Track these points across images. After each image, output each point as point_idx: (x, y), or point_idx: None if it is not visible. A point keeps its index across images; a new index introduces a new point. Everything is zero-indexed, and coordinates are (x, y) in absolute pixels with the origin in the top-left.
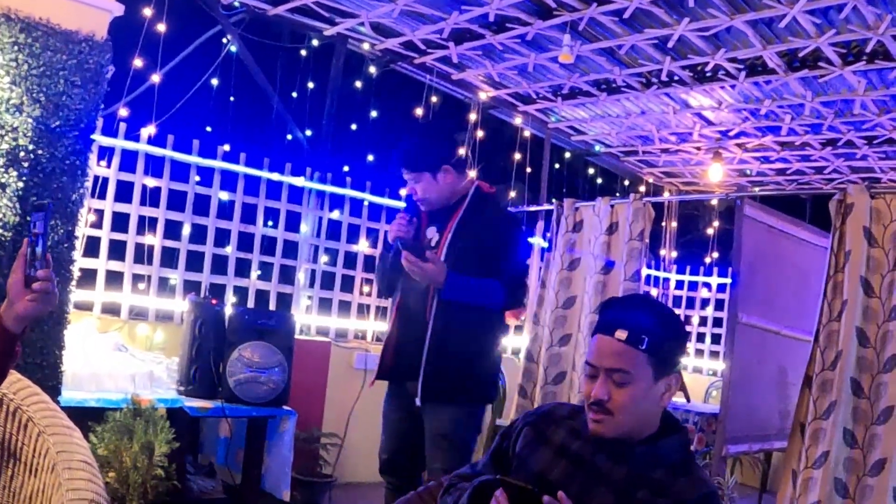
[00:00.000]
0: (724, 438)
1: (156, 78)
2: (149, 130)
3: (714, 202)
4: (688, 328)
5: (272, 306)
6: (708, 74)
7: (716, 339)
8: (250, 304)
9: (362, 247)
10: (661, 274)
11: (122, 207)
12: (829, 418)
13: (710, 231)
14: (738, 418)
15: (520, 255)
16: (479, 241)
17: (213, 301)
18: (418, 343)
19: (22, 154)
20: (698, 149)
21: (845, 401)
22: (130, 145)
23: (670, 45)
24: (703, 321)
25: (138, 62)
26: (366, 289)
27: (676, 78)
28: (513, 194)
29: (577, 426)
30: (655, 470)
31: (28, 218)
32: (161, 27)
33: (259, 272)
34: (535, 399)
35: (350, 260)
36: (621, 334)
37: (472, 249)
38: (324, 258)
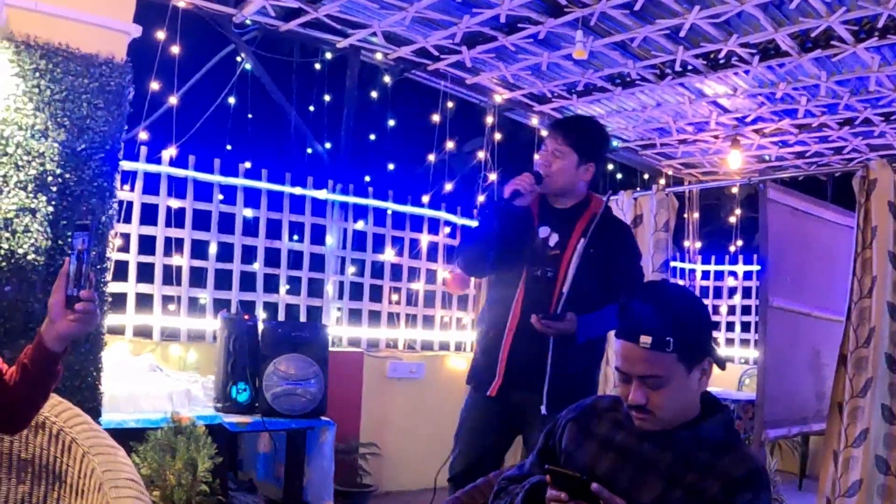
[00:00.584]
0: (762, 423)
1: (173, 100)
2: (170, 152)
3: (735, 190)
4: (716, 318)
5: (303, 319)
6: (721, 61)
7: (745, 327)
8: (280, 318)
9: (388, 256)
10: (687, 265)
11: (147, 230)
12: (867, 395)
13: (732, 220)
14: (775, 402)
15: (641, 270)
16: (611, 253)
17: (246, 316)
18: (539, 356)
19: (50, 179)
20: (716, 137)
21: (881, 377)
22: (153, 168)
23: (682, 34)
24: (731, 310)
25: (155, 85)
26: (394, 297)
27: (690, 67)
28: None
29: (619, 417)
30: (701, 452)
31: (59, 242)
32: (175, 49)
33: (288, 286)
34: None
35: (377, 269)
36: (645, 340)
37: (603, 260)
38: (351, 269)
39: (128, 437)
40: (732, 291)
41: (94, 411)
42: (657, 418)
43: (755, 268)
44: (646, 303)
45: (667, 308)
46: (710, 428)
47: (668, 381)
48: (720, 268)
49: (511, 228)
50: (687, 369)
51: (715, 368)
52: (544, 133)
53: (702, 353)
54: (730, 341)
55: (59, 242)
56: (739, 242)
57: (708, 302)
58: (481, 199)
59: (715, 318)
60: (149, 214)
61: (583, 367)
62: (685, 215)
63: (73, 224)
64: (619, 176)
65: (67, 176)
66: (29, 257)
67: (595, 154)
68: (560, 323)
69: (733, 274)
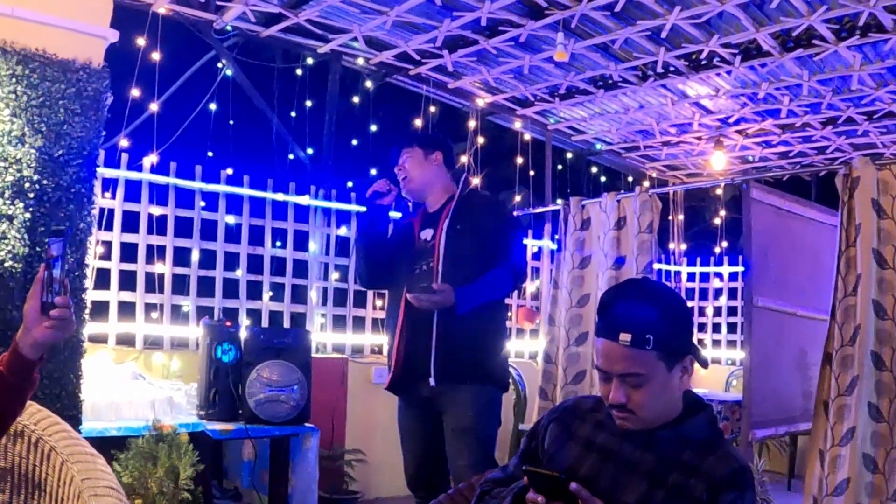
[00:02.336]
0: (749, 423)
1: (154, 106)
2: (151, 159)
3: (719, 191)
4: (702, 320)
5: (286, 326)
6: (703, 62)
7: (731, 328)
8: (264, 325)
9: None
10: (672, 268)
11: (129, 238)
12: (853, 394)
13: (717, 221)
14: (761, 402)
15: (516, 236)
16: (473, 225)
17: (228, 323)
18: (425, 337)
19: (27, 185)
20: (699, 139)
21: (868, 375)
22: (134, 175)
23: (663, 35)
24: (717, 311)
25: (136, 92)
26: (378, 303)
27: (672, 68)
28: (518, 199)
29: (601, 418)
30: (684, 452)
31: (37, 249)
32: (156, 56)
33: (271, 293)
34: (557, 400)
35: None
36: (625, 337)
37: (468, 234)
38: (335, 275)
39: (109, 446)
40: (718, 293)
41: (75, 419)
42: (639, 417)
43: (740, 269)
44: (625, 300)
45: (646, 305)
46: (693, 427)
47: (649, 379)
48: (705, 269)
49: (391, 238)
50: (668, 367)
51: (702, 369)
52: (527, 137)
53: (683, 351)
54: (716, 342)
55: (37, 249)
56: (724, 244)
57: (694, 304)
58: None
59: (701, 320)
60: (130, 222)
61: (471, 336)
62: (670, 217)
63: (49, 231)
64: (602, 179)
65: (45, 182)
66: (6, 264)
67: (436, 143)
68: (434, 295)
69: (719, 275)
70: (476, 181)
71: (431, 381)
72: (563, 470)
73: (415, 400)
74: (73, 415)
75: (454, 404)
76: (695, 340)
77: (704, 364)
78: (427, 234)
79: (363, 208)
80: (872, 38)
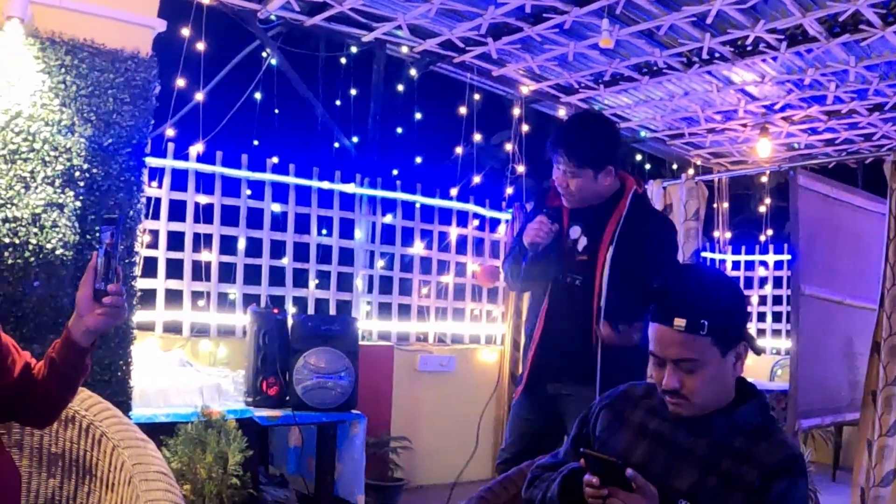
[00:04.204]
0: (795, 413)
1: (200, 96)
2: (197, 148)
3: (765, 179)
4: (748, 308)
5: (332, 313)
6: (749, 48)
7: (776, 317)
8: (310, 312)
9: (417, 249)
10: (717, 256)
11: (176, 226)
12: None
13: (762, 209)
14: (808, 392)
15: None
16: (640, 250)
17: (275, 310)
18: (572, 347)
19: (77, 174)
20: (744, 126)
21: None
22: (180, 164)
23: (709, 21)
24: (762, 300)
25: (181, 82)
26: (424, 290)
27: (717, 55)
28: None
29: (653, 404)
30: (736, 438)
31: (87, 237)
32: (200, 46)
33: (317, 281)
34: None
35: (406, 263)
36: (679, 323)
37: (635, 261)
38: (380, 263)
39: (158, 432)
40: (763, 281)
41: (124, 405)
42: (692, 403)
43: (786, 257)
44: (680, 285)
45: (701, 291)
46: (745, 413)
47: (703, 364)
48: (751, 258)
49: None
50: (721, 353)
51: (750, 355)
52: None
53: (737, 337)
54: (761, 331)
55: (87, 237)
56: (770, 232)
57: None
58: (513, 204)
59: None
60: (177, 211)
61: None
62: (715, 205)
63: (100, 219)
64: (647, 166)
65: (94, 171)
66: (57, 252)
67: (609, 158)
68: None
69: (764, 264)
70: (521, 168)
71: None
72: (615, 456)
73: (541, 395)
74: (122, 401)
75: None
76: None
77: (758, 351)
78: (579, 237)
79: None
80: None
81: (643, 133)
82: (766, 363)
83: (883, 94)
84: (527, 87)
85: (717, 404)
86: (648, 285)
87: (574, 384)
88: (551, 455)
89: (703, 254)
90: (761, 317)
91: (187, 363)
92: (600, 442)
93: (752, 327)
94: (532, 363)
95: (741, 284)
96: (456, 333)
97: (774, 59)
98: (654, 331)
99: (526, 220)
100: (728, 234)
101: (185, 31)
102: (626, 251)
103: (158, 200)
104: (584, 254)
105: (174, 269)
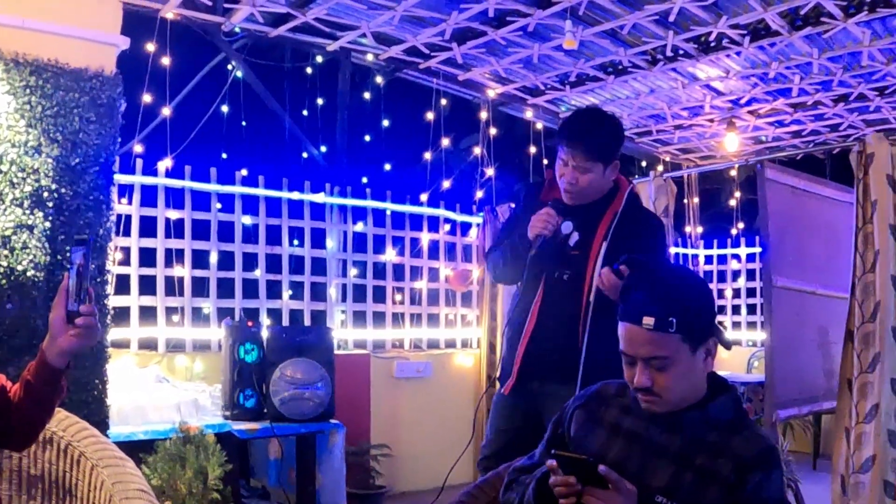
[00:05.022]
0: (773, 404)
1: (167, 111)
2: (165, 164)
3: (734, 173)
4: (721, 302)
5: (307, 324)
6: (712, 44)
7: (751, 309)
8: (285, 323)
9: (390, 256)
10: (689, 251)
11: (147, 242)
12: (875, 370)
13: (732, 203)
14: (784, 382)
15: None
16: (632, 247)
17: (250, 323)
18: (561, 343)
19: (45, 194)
20: (711, 121)
21: (889, 351)
22: (149, 180)
23: (671, 18)
24: (736, 293)
25: (148, 98)
26: (398, 297)
27: (681, 52)
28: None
29: (627, 402)
30: (709, 433)
31: (58, 257)
32: (166, 61)
33: (290, 292)
34: None
35: (379, 270)
36: (648, 321)
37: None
38: (353, 271)
39: (137, 449)
40: (736, 274)
41: (102, 424)
42: (664, 400)
43: (758, 250)
44: (647, 284)
45: (669, 288)
46: (718, 408)
47: (674, 362)
48: (723, 251)
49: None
50: (692, 349)
51: (724, 351)
52: (539, 126)
53: (706, 333)
54: (736, 324)
55: (58, 258)
56: (741, 225)
57: (713, 286)
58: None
59: (720, 303)
60: (148, 227)
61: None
62: (685, 201)
63: (71, 239)
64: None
65: (63, 191)
66: (29, 274)
67: (617, 153)
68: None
69: (736, 257)
70: (490, 171)
71: (578, 386)
72: (591, 455)
73: (523, 393)
74: (100, 420)
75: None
76: (717, 322)
77: (728, 346)
78: (571, 233)
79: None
80: (881, 13)
81: None
82: (743, 355)
83: (847, 85)
84: (493, 91)
85: (690, 400)
86: None
87: (555, 383)
88: (527, 457)
89: (675, 249)
90: (736, 309)
91: (164, 379)
92: (575, 443)
93: (727, 320)
94: (522, 359)
95: (714, 278)
96: (432, 339)
97: (738, 54)
98: (624, 330)
99: (512, 216)
100: (699, 229)
101: (151, 47)
102: (619, 248)
103: (129, 217)
104: (576, 248)
105: (147, 286)
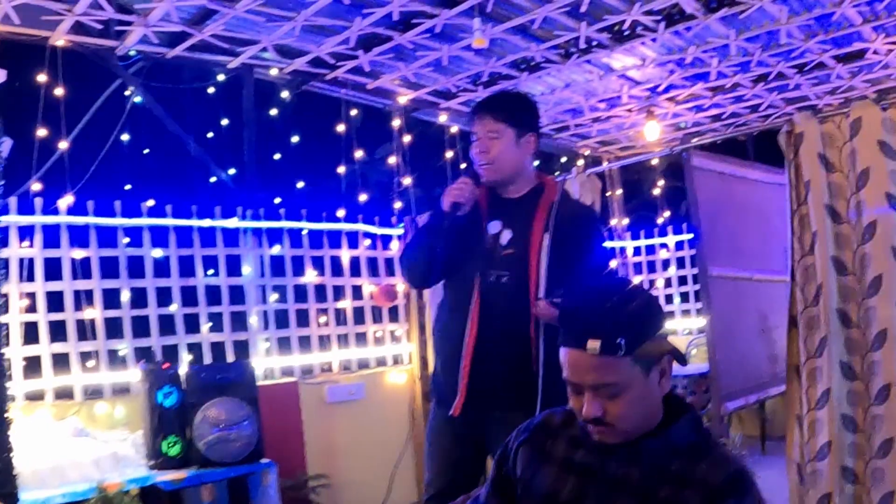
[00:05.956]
0: (719, 397)
1: (64, 145)
2: (66, 201)
3: (655, 162)
4: (654, 292)
5: (229, 356)
6: (626, 33)
7: (684, 297)
8: (207, 358)
9: (310, 277)
10: (616, 244)
11: (54, 286)
12: (823, 355)
13: (656, 191)
14: (729, 374)
15: (603, 257)
16: (574, 246)
17: (166, 365)
18: (502, 365)
19: None
20: (629, 111)
21: (835, 333)
22: (50, 220)
23: (583, 9)
24: (668, 282)
25: (43, 132)
26: (322, 319)
27: (595, 43)
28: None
29: (575, 433)
30: (672, 461)
31: None
32: (59, 91)
33: (210, 324)
34: None
35: (300, 293)
36: (593, 345)
37: (569, 256)
38: (273, 296)
39: None
40: (666, 264)
41: (10, 497)
42: (618, 430)
43: (686, 237)
44: (587, 303)
45: (613, 305)
46: (678, 432)
47: (625, 388)
48: (650, 241)
49: (456, 235)
50: (644, 372)
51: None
52: (454, 129)
53: (659, 352)
54: (670, 314)
55: None
56: (667, 213)
57: (643, 277)
58: (403, 219)
59: (652, 293)
60: (53, 269)
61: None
62: (608, 193)
63: None
64: (536, 163)
65: None
66: None
67: (531, 123)
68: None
69: (665, 246)
70: (408, 180)
71: (538, 410)
72: (542, 498)
73: (468, 422)
74: (8, 491)
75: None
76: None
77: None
78: (501, 231)
79: (301, 224)
80: None
81: None
82: (681, 344)
83: (766, 65)
84: (404, 97)
85: (647, 426)
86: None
87: (506, 410)
88: (472, 500)
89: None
90: (669, 299)
91: (83, 432)
92: (523, 483)
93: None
94: (469, 376)
95: (644, 269)
96: (361, 359)
97: (654, 41)
98: (567, 356)
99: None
100: (625, 221)
101: (42, 78)
102: (563, 240)
103: (31, 261)
104: (510, 247)
105: (58, 332)
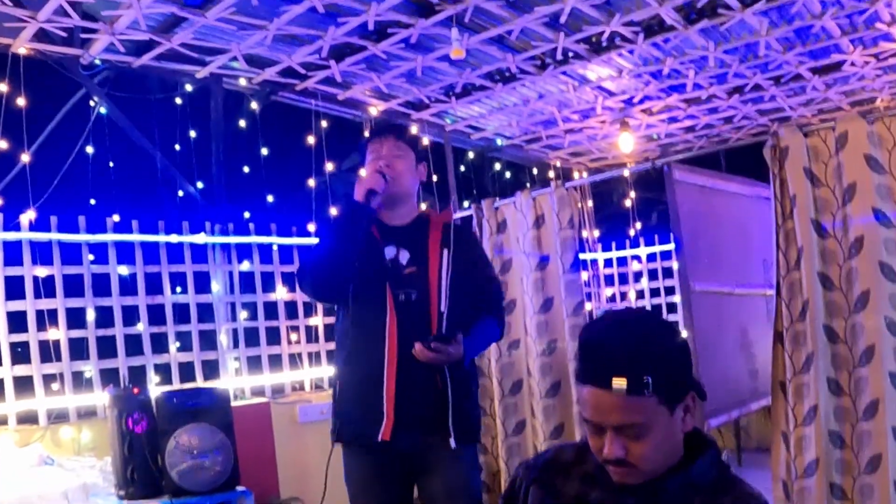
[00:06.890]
0: (702, 414)
1: (26, 157)
2: (28, 216)
3: (626, 173)
4: (624, 304)
5: (198, 376)
6: (604, 44)
7: (656, 310)
8: (174, 379)
9: (281, 294)
10: (588, 256)
11: (15, 305)
12: (810, 371)
13: (627, 203)
14: (711, 390)
15: (498, 282)
16: (472, 265)
17: (136, 390)
18: (427, 383)
19: None
20: (603, 122)
21: (822, 350)
22: (11, 236)
23: (563, 20)
24: (640, 294)
25: (3, 144)
26: (293, 336)
27: (572, 53)
28: (424, 207)
29: (589, 470)
30: (694, 499)
31: None
32: (21, 101)
33: (178, 343)
34: (496, 414)
35: (271, 310)
36: (619, 383)
37: (468, 274)
38: (243, 314)
39: None
40: (638, 276)
41: None
42: (640, 471)
43: (658, 248)
44: (613, 339)
45: (639, 342)
46: (700, 469)
47: (650, 427)
48: (622, 253)
49: (362, 240)
50: (670, 410)
51: None
52: (426, 141)
53: (685, 388)
54: None
55: None
56: (638, 225)
57: (615, 289)
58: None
59: (624, 305)
60: (14, 288)
61: (475, 390)
62: (579, 205)
63: None
64: (507, 175)
65: None
66: None
67: (423, 154)
68: (451, 346)
69: (637, 258)
70: None
71: (452, 443)
72: None
73: (392, 452)
74: None
75: (458, 461)
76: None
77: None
78: (398, 254)
79: (271, 239)
80: (779, 1)
81: (499, 141)
82: None
83: (742, 77)
84: (375, 108)
85: (668, 464)
86: (477, 297)
87: (429, 432)
88: None
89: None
90: None
91: (48, 459)
92: None
93: None
94: (396, 399)
95: (615, 281)
96: (333, 376)
97: (631, 52)
98: (588, 395)
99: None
100: (596, 233)
101: (2, 87)
102: (460, 259)
103: None
104: (411, 265)
105: (20, 354)
